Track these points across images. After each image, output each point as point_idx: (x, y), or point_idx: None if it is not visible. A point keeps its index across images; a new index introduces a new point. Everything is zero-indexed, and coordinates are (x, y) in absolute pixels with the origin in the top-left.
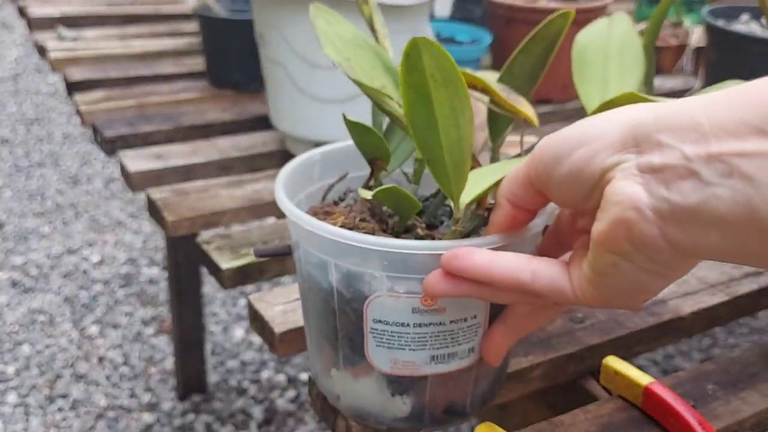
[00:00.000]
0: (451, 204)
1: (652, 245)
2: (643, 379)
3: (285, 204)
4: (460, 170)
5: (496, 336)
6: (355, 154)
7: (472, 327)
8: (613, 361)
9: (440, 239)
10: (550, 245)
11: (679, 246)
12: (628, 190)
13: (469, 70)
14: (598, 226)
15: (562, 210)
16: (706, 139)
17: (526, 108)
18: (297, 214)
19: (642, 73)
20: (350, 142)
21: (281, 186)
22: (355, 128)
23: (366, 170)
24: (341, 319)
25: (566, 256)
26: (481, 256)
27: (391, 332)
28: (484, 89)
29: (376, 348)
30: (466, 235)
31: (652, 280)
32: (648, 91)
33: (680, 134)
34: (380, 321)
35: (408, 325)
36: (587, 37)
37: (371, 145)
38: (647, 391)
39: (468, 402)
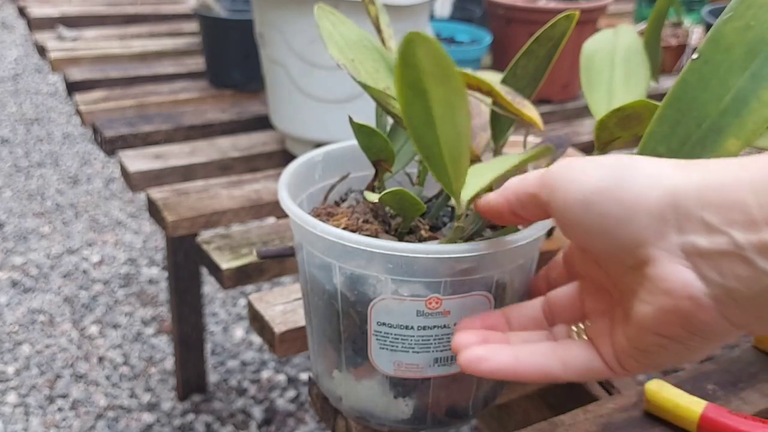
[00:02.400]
0: (454, 203)
1: (711, 328)
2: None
3: (289, 206)
4: (459, 167)
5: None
6: (356, 154)
7: None
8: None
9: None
10: (540, 282)
11: (740, 323)
12: (679, 278)
13: (469, 71)
14: (645, 310)
15: (557, 255)
16: (757, 225)
17: (530, 111)
18: (301, 216)
19: (647, 81)
20: (352, 142)
21: (284, 187)
22: (360, 130)
23: (368, 170)
24: (345, 322)
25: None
26: (506, 357)
27: (395, 335)
28: (489, 92)
29: (380, 350)
30: (470, 237)
31: (704, 350)
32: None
33: (726, 215)
34: (384, 324)
35: (412, 327)
36: (594, 45)
37: (376, 147)
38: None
39: (470, 404)
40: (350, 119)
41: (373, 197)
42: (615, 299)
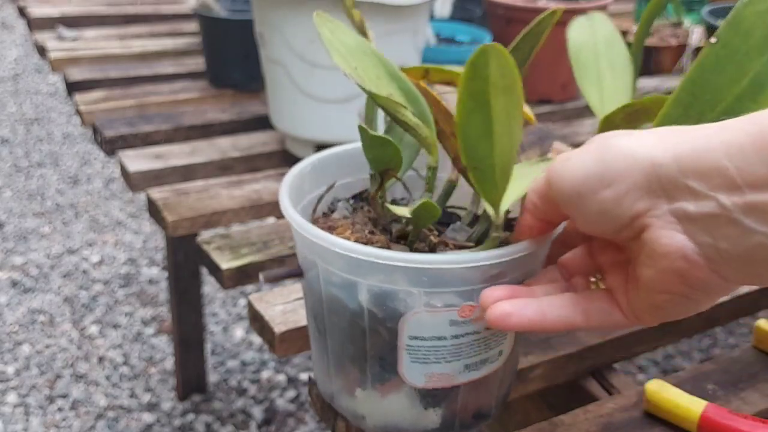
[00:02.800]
0: (491, 213)
1: (707, 284)
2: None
3: (304, 226)
4: (506, 177)
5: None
6: (341, 162)
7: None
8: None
9: (454, 245)
10: (555, 246)
11: (735, 280)
12: (673, 241)
13: (457, 68)
14: (648, 273)
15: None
16: (739, 186)
17: (524, 107)
18: (320, 235)
19: (630, 66)
20: (336, 149)
21: (291, 207)
22: (374, 141)
23: (351, 177)
24: (372, 339)
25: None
26: (532, 312)
27: (428, 347)
28: None
29: (411, 364)
30: (479, 240)
31: (710, 300)
32: (632, 89)
33: (708, 180)
34: (416, 337)
35: (445, 338)
36: (577, 38)
37: (388, 157)
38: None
39: (493, 404)
40: (364, 130)
41: (404, 211)
42: (627, 257)
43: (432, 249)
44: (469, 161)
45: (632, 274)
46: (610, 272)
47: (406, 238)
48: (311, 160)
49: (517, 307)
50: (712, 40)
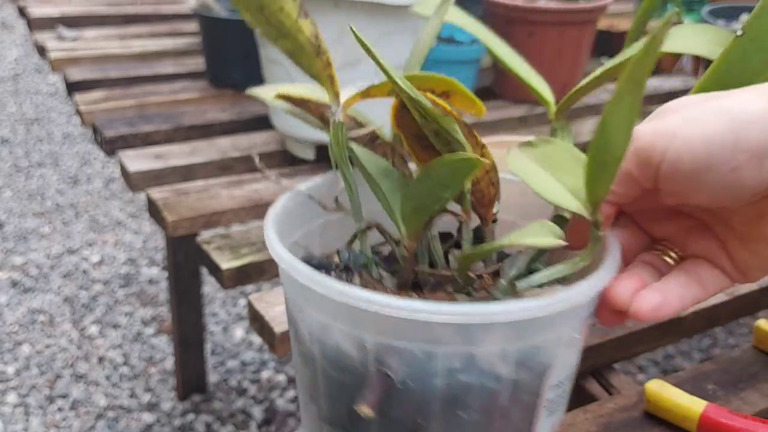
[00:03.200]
0: (586, 214)
1: None
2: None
3: (435, 308)
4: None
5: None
6: (286, 220)
7: None
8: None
9: (484, 274)
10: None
11: None
12: None
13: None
14: None
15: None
16: None
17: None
18: (472, 311)
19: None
20: (274, 215)
21: (364, 289)
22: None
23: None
24: (511, 413)
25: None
26: (676, 299)
27: (562, 392)
28: (446, 91)
29: (545, 420)
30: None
31: None
32: None
33: None
34: (557, 384)
35: (572, 374)
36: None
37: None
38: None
39: None
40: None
41: (557, 242)
42: (703, 220)
43: (471, 286)
44: (600, 156)
45: (736, 237)
46: (688, 240)
47: (417, 285)
48: (270, 224)
49: (664, 294)
50: (738, 32)
